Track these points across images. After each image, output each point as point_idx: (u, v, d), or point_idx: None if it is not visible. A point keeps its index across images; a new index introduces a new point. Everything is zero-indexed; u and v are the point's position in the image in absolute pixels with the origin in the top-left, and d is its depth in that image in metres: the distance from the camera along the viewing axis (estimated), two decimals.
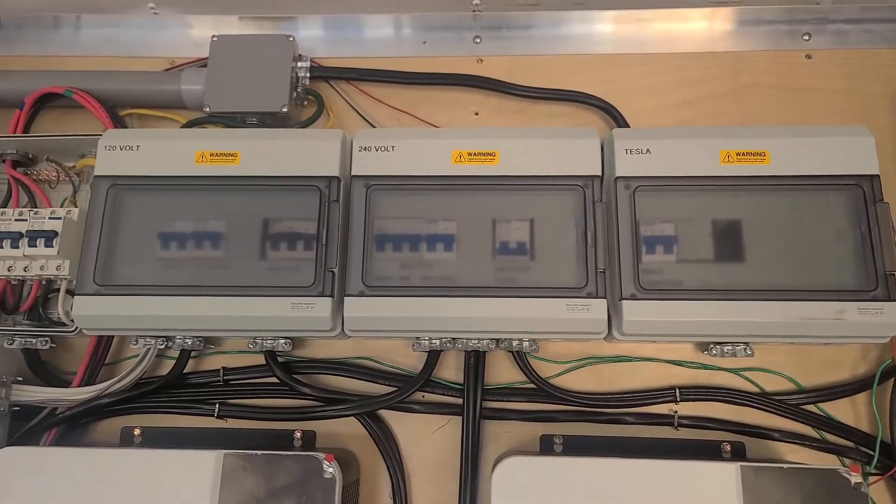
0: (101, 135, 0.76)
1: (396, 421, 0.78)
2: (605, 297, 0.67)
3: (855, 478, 0.60)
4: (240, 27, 0.93)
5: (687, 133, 0.73)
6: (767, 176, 0.69)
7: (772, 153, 0.70)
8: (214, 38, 0.85)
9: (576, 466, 0.62)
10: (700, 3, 0.89)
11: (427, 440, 0.77)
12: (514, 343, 0.72)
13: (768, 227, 0.69)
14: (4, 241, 0.73)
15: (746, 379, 0.77)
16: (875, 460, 0.71)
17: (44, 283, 0.77)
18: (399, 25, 0.92)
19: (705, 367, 0.77)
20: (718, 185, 0.69)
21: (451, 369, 0.79)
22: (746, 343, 0.70)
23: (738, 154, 0.70)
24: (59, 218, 0.74)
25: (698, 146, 0.70)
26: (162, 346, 0.75)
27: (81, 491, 0.64)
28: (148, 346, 0.75)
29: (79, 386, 0.75)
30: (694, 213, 0.70)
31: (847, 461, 0.73)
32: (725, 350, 0.71)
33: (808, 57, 0.88)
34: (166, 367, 0.79)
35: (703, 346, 0.75)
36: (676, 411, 0.75)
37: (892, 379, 0.73)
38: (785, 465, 0.60)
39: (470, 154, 0.72)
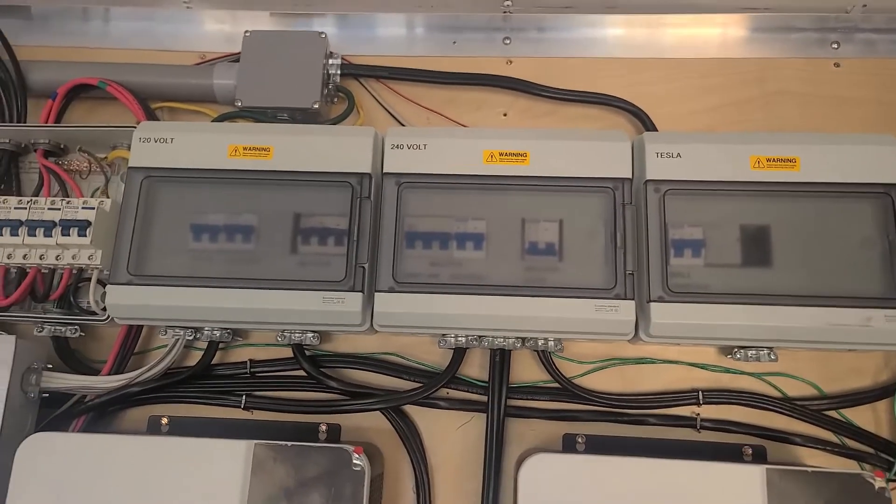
0: (133, 126, 0.77)
1: (421, 416, 0.78)
2: (633, 299, 0.68)
3: (879, 482, 0.60)
4: (271, 23, 0.94)
5: (718, 138, 0.73)
6: (797, 182, 0.70)
7: (802, 160, 0.70)
8: (247, 34, 0.86)
9: (601, 465, 0.63)
10: (730, 9, 0.89)
11: (451, 436, 0.78)
12: (540, 342, 0.73)
13: (797, 233, 0.69)
14: (38, 230, 0.73)
15: (769, 384, 0.77)
16: (895, 467, 0.72)
17: (74, 272, 0.78)
18: (429, 25, 0.93)
19: (728, 370, 0.77)
20: (748, 190, 0.70)
21: (475, 367, 0.79)
22: (770, 348, 0.71)
23: (768, 160, 0.70)
24: (92, 208, 0.74)
25: (729, 151, 0.71)
26: (190, 338, 0.76)
27: (112, 477, 0.65)
28: (177, 337, 0.76)
29: (109, 374, 0.76)
30: (723, 218, 0.70)
31: (868, 467, 0.73)
32: (749, 354, 0.71)
33: (837, 65, 0.88)
34: (193, 357, 0.80)
35: (727, 350, 0.75)
36: (699, 414, 0.75)
37: None
38: (809, 469, 0.61)
39: (501, 154, 0.73)
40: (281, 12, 0.93)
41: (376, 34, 0.94)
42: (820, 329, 0.66)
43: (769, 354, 0.71)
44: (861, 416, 0.76)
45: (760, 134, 0.74)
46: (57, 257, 0.75)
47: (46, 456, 0.65)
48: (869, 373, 0.77)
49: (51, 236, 0.73)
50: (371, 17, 0.93)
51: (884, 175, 0.69)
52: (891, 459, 0.72)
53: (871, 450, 0.74)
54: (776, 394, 0.77)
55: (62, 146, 0.83)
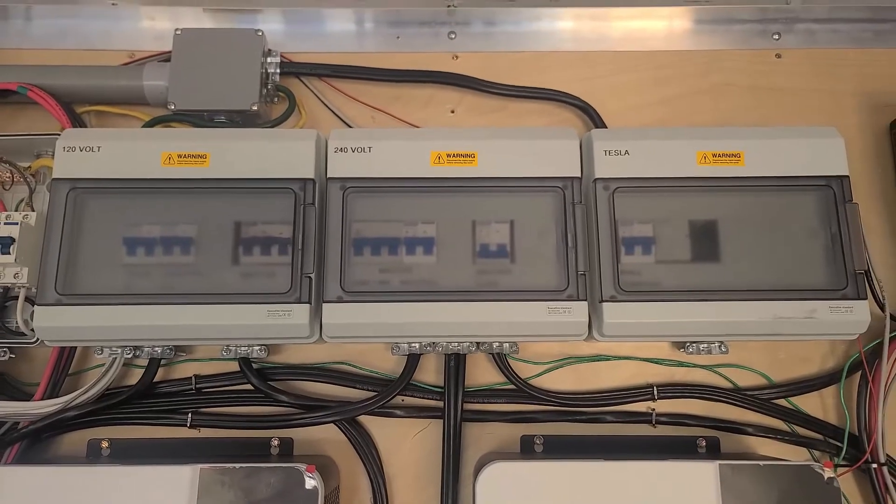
0: (58, 134, 0.73)
1: (376, 426, 0.77)
2: (585, 300, 0.67)
3: (828, 473, 0.62)
4: (206, 20, 0.89)
5: (665, 134, 0.73)
6: (742, 177, 0.70)
7: (746, 154, 0.71)
8: (178, 32, 0.82)
9: (558, 470, 0.62)
10: (675, 2, 0.89)
11: (407, 444, 0.76)
12: (495, 346, 0.72)
13: (743, 227, 0.70)
14: None
15: (721, 375, 0.78)
16: (843, 452, 0.73)
17: (0, 291, 0.73)
18: (372, 20, 0.90)
19: (681, 364, 0.78)
20: (695, 185, 0.70)
21: (430, 372, 0.78)
22: (722, 341, 0.72)
23: (714, 155, 0.71)
24: (16, 223, 0.70)
25: (676, 147, 0.71)
26: (129, 356, 0.72)
27: None
28: (114, 356, 0.72)
29: (42, 399, 0.71)
30: (672, 214, 0.70)
31: (817, 454, 0.75)
32: (701, 348, 0.72)
33: (778, 56, 0.89)
34: (134, 375, 0.77)
35: (680, 345, 0.76)
36: (654, 409, 0.76)
37: (859, 373, 0.76)
38: (761, 463, 0.62)
39: (449, 155, 0.71)
40: (216, 8, 0.89)
41: (317, 30, 0.90)
42: (767, 322, 0.67)
43: (720, 347, 0.72)
44: (809, 404, 0.77)
45: (706, 129, 0.74)
46: None
47: None
48: (816, 361, 0.79)
49: None
50: (312, 12, 0.90)
51: (826, 168, 0.70)
52: (839, 445, 0.74)
53: (820, 436, 0.76)
54: (728, 385, 0.78)
55: None
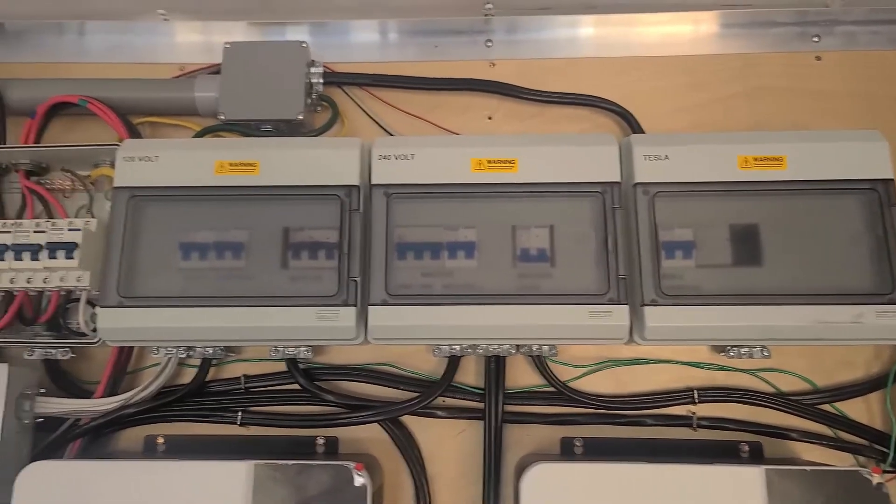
0: (116, 144, 0.76)
1: (418, 426, 0.78)
2: (626, 304, 0.68)
3: (876, 478, 0.61)
4: (248, 32, 0.92)
5: (705, 139, 0.73)
6: (785, 181, 0.70)
7: (789, 158, 0.71)
8: (227, 45, 0.85)
9: (603, 472, 0.63)
10: (710, 7, 0.89)
11: (449, 444, 0.78)
12: (535, 348, 0.73)
13: (786, 231, 0.70)
14: (24, 254, 0.72)
15: (763, 380, 0.78)
16: (890, 458, 0.73)
17: (63, 293, 0.77)
18: (410, 30, 0.92)
19: (722, 368, 0.78)
20: (737, 190, 0.70)
21: (470, 373, 0.80)
22: (763, 345, 0.72)
23: (755, 159, 0.71)
24: (79, 229, 0.74)
25: (717, 152, 0.71)
26: (183, 356, 0.75)
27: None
28: (169, 356, 0.75)
29: (102, 396, 0.75)
30: (712, 219, 0.70)
31: (863, 459, 0.75)
32: (742, 352, 0.72)
33: (818, 59, 0.88)
34: (186, 374, 0.80)
35: (721, 348, 0.76)
36: (695, 412, 0.76)
37: None
38: (808, 468, 0.61)
39: (489, 162, 0.73)
40: (258, 22, 0.92)
41: (356, 41, 0.93)
42: (811, 327, 0.67)
43: (762, 351, 0.72)
44: (854, 409, 0.77)
45: (747, 133, 0.75)
46: (44, 280, 0.74)
47: (45, 484, 0.65)
48: (860, 365, 0.78)
49: (37, 259, 0.72)
50: (351, 23, 0.92)
51: (870, 171, 0.70)
52: (885, 450, 0.74)
53: (865, 441, 0.75)
54: (770, 390, 0.77)
55: (44, 165, 0.82)
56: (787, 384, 0.78)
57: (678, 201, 0.71)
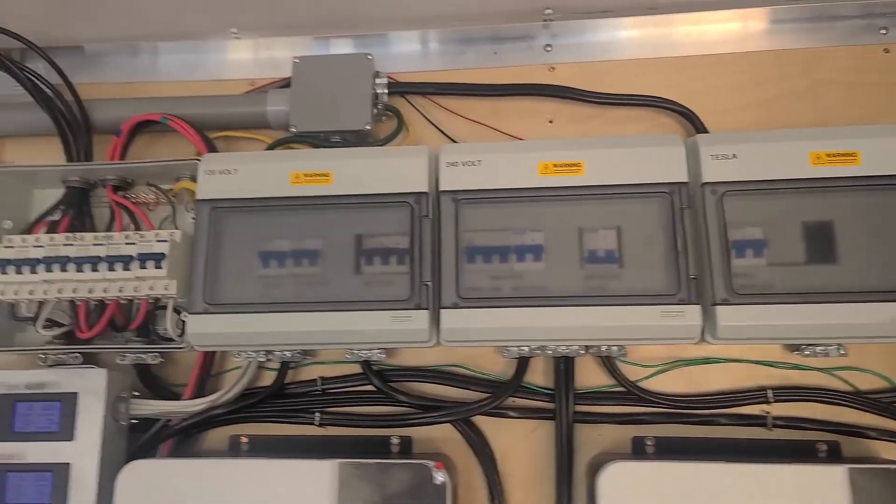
0: (197, 159, 0.80)
1: (489, 426, 0.80)
2: (698, 303, 0.68)
3: None
4: (313, 47, 0.96)
5: (773, 136, 0.73)
6: (859, 176, 0.69)
7: (863, 153, 0.70)
8: (296, 60, 0.88)
9: (680, 471, 0.64)
10: (773, 2, 0.88)
11: (520, 444, 0.79)
12: (603, 349, 0.74)
13: (861, 227, 0.69)
14: (116, 264, 0.77)
15: (839, 378, 0.77)
16: None
17: (150, 301, 0.81)
18: (469, 38, 0.94)
19: (797, 367, 0.77)
20: (809, 187, 0.70)
21: (538, 374, 0.81)
22: (840, 344, 0.71)
23: (828, 155, 0.70)
24: (166, 241, 0.77)
25: (787, 149, 0.71)
26: (263, 359, 0.79)
27: (205, 500, 0.68)
28: (250, 359, 0.79)
29: (191, 398, 0.79)
30: (784, 216, 0.70)
31: None
32: (818, 350, 0.72)
33: (886, 51, 0.87)
34: (265, 376, 0.84)
35: (794, 347, 0.75)
36: (769, 412, 0.76)
37: None
38: (893, 467, 0.60)
39: (556, 165, 0.74)
40: (323, 36, 0.95)
41: (417, 50, 0.95)
42: (888, 325, 0.66)
43: (838, 349, 0.71)
44: None
45: (817, 129, 0.74)
46: (135, 289, 0.78)
47: (144, 482, 0.69)
48: None
49: (129, 270, 0.77)
50: (410, 34, 0.94)
51: None
52: None
53: None
54: (847, 388, 0.76)
55: (129, 180, 0.87)
56: (865, 382, 0.76)
57: (748, 200, 0.71)
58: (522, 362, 0.78)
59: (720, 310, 0.68)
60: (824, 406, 0.75)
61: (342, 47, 0.96)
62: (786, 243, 0.69)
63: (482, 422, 0.80)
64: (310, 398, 0.82)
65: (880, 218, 0.69)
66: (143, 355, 0.80)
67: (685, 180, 0.72)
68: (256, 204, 0.76)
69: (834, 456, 0.73)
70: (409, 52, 0.95)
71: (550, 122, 0.90)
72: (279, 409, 0.81)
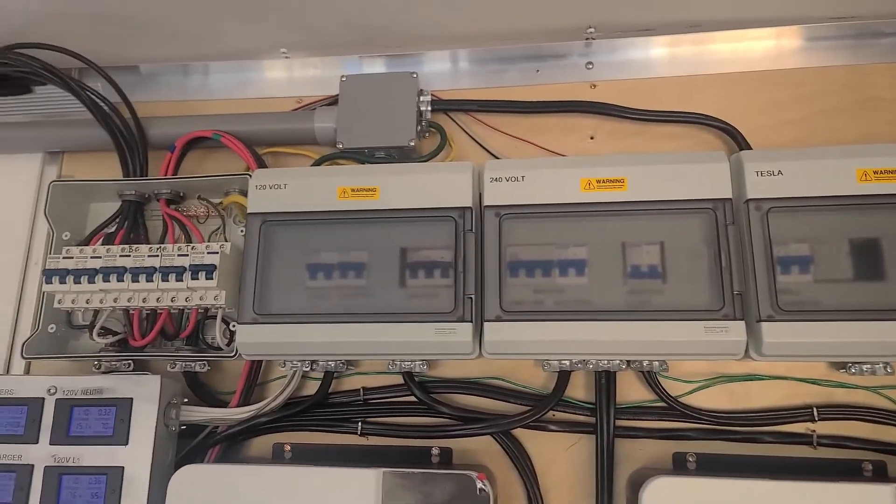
0: (248, 174, 0.83)
1: (529, 439, 0.81)
2: (742, 319, 0.68)
3: None
4: (359, 65, 0.99)
5: (820, 153, 0.73)
6: None
7: None
8: (343, 79, 0.91)
9: (724, 487, 0.63)
10: (815, 20, 0.88)
11: (560, 458, 0.80)
12: (645, 363, 0.74)
13: None
14: (170, 275, 0.80)
15: (885, 396, 0.76)
16: None
17: (200, 311, 0.84)
18: (512, 56, 0.96)
19: (842, 385, 0.77)
20: (857, 203, 0.69)
21: (579, 388, 0.81)
22: (887, 362, 0.70)
23: (875, 172, 0.70)
24: (216, 252, 0.80)
25: (833, 166, 0.71)
26: (307, 369, 0.80)
27: None
28: (295, 369, 0.81)
29: (237, 406, 0.81)
30: (830, 233, 0.70)
31: None
32: (864, 369, 0.71)
33: None
34: (308, 385, 0.85)
35: (840, 365, 0.74)
36: (815, 430, 0.75)
37: None
38: None
39: (599, 181, 0.75)
40: (368, 55, 0.98)
41: (460, 69, 0.97)
42: None
43: (885, 367, 0.70)
44: None
45: (863, 146, 0.74)
46: (186, 299, 0.81)
47: (194, 486, 0.71)
48: None
49: (181, 280, 0.79)
50: (454, 53, 0.97)
51: None
52: None
53: None
54: (894, 407, 0.75)
55: (181, 194, 0.90)
56: None
57: (793, 216, 0.71)
58: (563, 376, 0.78)
59: (765, 326, 0.68)
60: (871, 425, 0.74)
61: (386, 66, 0.98)
62: (832, 260, 0.69)
63: (522, 435, 0.81)
64: (352, 408, 0.84)
65: None
66: (192, 363, 0.82)
67: (729, 196, 0.72)
68: (305, 218, 0.78)
69: (880, 475, 0.72)
70: (452, 71, 0.97)
71: (591, 138, 0.91)
72: (322, 419, 0.83)
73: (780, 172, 0.72)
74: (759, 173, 0.72)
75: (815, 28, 0.90)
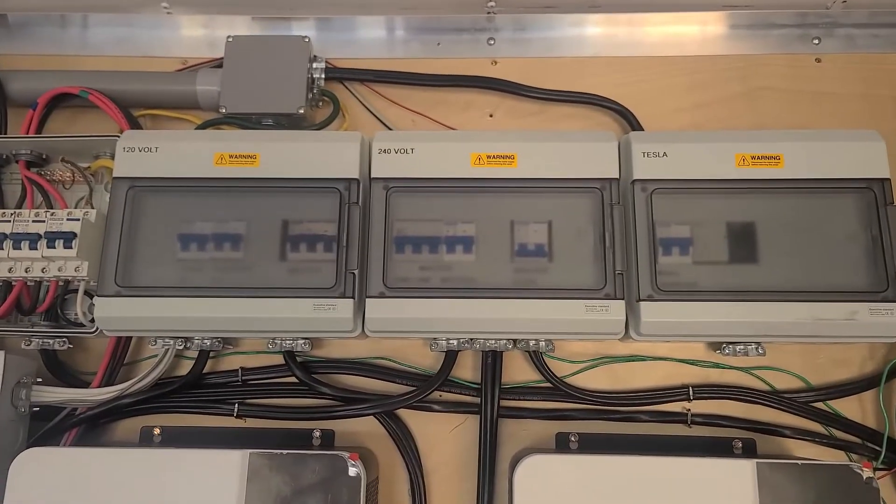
0: (116, 136, 0.76)
1: (415, 419, 0.79)
2: (623, 299, 0.68)
3: (866, 473, 0.62)
4: (252, 27, 0.93)
5: (703, 137, 0.74)
6: (782, 179, 0.71)
7: (786, 157, 0.71)
8: (230, 39, 0.85)
9: (596, 464, 0.64)
10: (711, 7, 0.90)
11: (445, 438, 0.78)
12: (531, 343, 0.74)
13: (782, 229, 0.70)
14: (22, 243, 0.73)
15: (757, 377, 0.78)
16: (882, 456, 0.73)
17: (61, 284, 0.77)
18: (413, 27, 0.93)
19: (717, 365, 0.79)
20: (734, 187, 0.71)
21: (467, 368, 0.80)
22: (758, 343, 0.72)
23: (753, 157, 0.71)
24: (77, 219, 0.73)
25: (715, 150, 0.72)
26: (181, 347, 0.75)
27: (106, 490, 0.64)
28: (167, 347, 0.76)
29: (99, 386, 0.75)
30: (710, 216, 0.71)
31: (855, 457, 0.75)
32: (738, 349, 0.73)
33: (818, 61, 0.89)
34: (183, 366, 0.80)
35: (716, 346, 0.76)
36: (689, 409, 0.76)
37: None
38: (799, 462, 0.62)
39: (489, 157, 0.73)
40: (262, 16, 0.93)
41: (359, 37, 0.93)
42: (806, 324, 0.67)
43: (757, 349, 0.72)
44: (848, 407, 0.77)
45: (745, 132, 0.75)
46: (43, 270, 0.74)
47: (40, 471, 0.65)
48: (855, 364, 0.78)
49: (36, 249, 0.72)
50: (353, 20, 0.93)
51: (866, 170, 0.71)
52: (877, 448, 0.74)
53: (858, 440, 0.76)
54: (765, 387, 0.78)
55: (44, 156, 0.82)
56: (782, 382, 0.78)
57: (676, 198, 0.71)
58: (450, 356, 0.77)
59: (644, 306, 0.68)
60: (743, 404, 0.76)
61: (281, 29, 0.93)
62: (711, 242, 0.70)
63: (408, 416, 0.79)
64: (229, 389, 0.79)
65: (801, 220, 0.70)
66: (49, 340, 0.76)
67: (616, 176, 0.72)
68: (177, 184, 0.73)
69: (749, 453, 0.75)
70: (350, 39, 0.93)
71: (491, 116, 0.89)
72: (196, 400, 0.78)
73: (665, 154, 0.72)
74: (646, 154, 0.72)
75: (710, 17, 0.91)
